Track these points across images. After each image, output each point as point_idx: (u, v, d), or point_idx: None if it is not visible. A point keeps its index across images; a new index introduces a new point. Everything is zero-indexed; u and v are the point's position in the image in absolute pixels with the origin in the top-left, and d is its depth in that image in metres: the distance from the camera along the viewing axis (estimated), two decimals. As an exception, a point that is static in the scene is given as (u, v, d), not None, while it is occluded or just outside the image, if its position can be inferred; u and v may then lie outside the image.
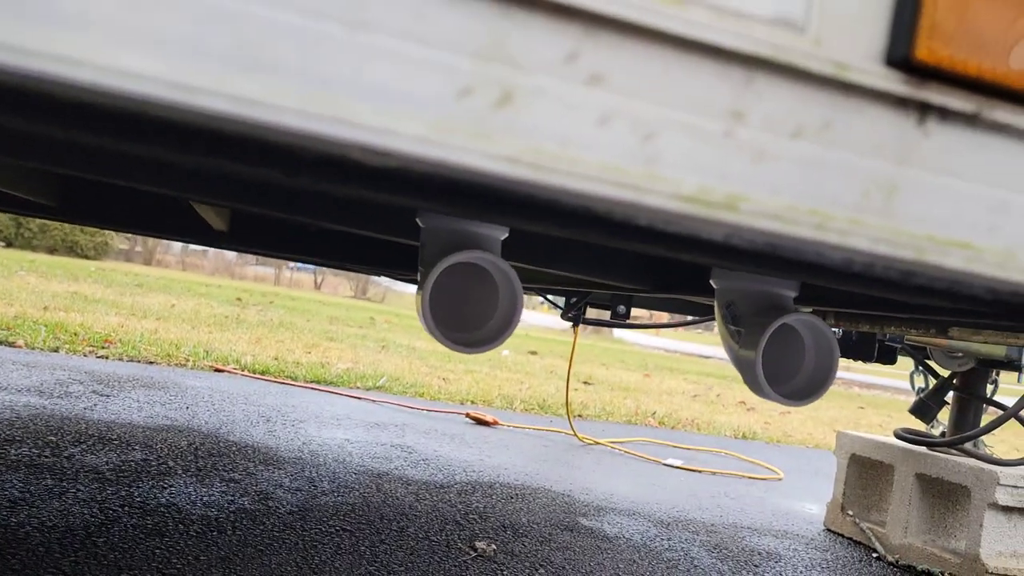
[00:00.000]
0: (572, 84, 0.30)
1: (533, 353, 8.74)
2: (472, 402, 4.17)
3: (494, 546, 1.76)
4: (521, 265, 1.02)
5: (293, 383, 3.80)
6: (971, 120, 0.35)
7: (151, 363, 3.76)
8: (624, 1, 0.30)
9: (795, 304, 1.01)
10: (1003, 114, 0.36)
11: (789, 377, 0.86)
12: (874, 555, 2.24)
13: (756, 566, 1.96)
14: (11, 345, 3.59)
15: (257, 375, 3.87)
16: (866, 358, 1.58)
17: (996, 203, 0.36)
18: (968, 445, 2.20)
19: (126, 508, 1.62)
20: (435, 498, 2.09)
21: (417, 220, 0.82)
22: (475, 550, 1.71)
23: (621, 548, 1.92)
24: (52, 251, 16.20)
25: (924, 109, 0.35)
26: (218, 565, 1.40)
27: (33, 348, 3.62)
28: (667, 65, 0.31)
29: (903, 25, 0.33)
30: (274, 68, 0.26)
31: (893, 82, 0.34)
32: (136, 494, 1.72)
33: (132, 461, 1.96)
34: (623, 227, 0.31)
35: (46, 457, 1.88)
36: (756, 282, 0.86)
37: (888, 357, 1.57)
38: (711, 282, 0.90)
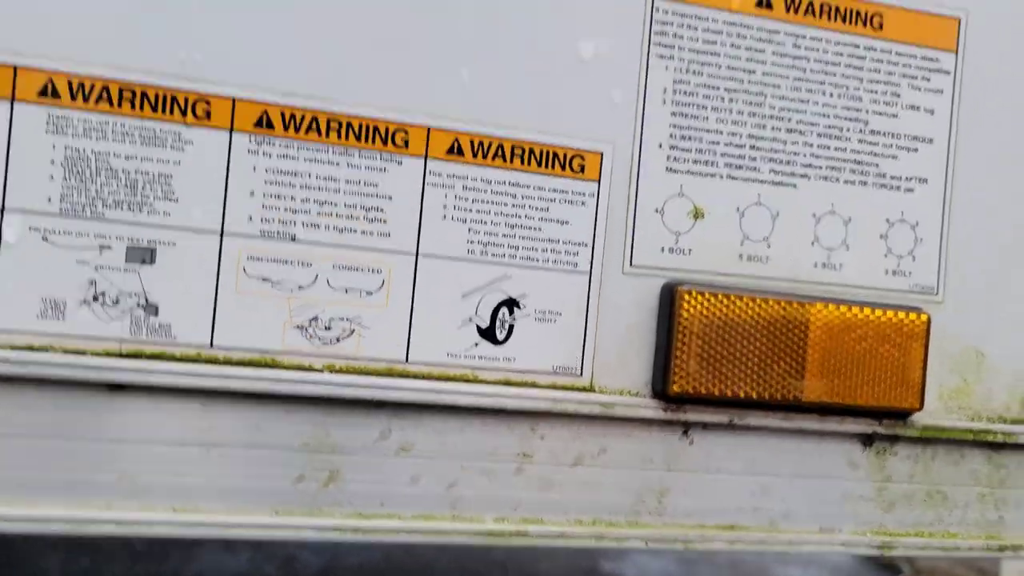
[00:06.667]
0: (385, 456, 0.40)
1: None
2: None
3: (508, 598, 1.82)
4: None
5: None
6: (728, 427, 0.44)
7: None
8: (428, 387, 0.39)
9: None
10: (754, 418, 0.44)
11: None
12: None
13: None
14: None
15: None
16: None
17: (758, 488, 0.45)
18: None
19: (158, 584, 1.71)
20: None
21: None
22: (489, 604, 1.78)
23: (635, 591, 1.97)
24: None
25: (687, 425, 0.44)
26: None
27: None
28: (464, 427, 0.40)
29: (659, 370, 0.41)
30: None
31: (657, 410, 0.43)
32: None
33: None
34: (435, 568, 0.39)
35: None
36: None
37: None
38: None
